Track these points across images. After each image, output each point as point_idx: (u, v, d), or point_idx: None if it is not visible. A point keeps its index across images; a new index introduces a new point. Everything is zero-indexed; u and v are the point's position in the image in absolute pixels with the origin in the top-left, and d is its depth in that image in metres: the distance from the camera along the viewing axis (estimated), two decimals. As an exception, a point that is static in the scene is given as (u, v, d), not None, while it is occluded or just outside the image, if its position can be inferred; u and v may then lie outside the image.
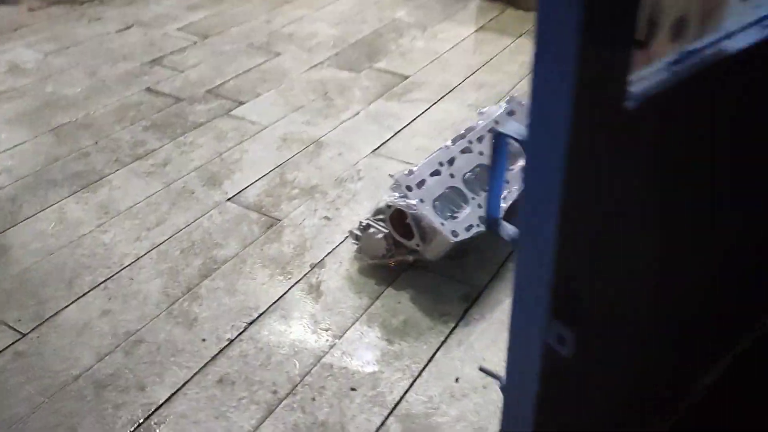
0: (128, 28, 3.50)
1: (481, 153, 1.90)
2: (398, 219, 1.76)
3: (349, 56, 3.18)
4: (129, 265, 1.90)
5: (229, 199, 2.18)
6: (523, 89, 2.83)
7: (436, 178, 1.78)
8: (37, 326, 1.71)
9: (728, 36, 0.93)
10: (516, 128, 0.83)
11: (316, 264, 1.91)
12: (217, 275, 1.86)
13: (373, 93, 2.84)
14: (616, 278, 0.92)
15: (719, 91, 0.91)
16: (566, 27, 0.64)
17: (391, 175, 1.81)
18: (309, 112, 2.70)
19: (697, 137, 0.90)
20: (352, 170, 2.32)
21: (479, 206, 1.80)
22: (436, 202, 1.75)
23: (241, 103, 2.77)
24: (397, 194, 1.74)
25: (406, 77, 2.97)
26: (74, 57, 3.16)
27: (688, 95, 0.84)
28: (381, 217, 1.82)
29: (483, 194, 1.84)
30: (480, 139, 1.93)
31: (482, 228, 1.76)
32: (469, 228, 1.74)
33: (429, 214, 1.70)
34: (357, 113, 2.68)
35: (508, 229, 0.92)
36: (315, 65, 3.09)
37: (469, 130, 1.95)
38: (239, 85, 2.92)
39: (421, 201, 1.72)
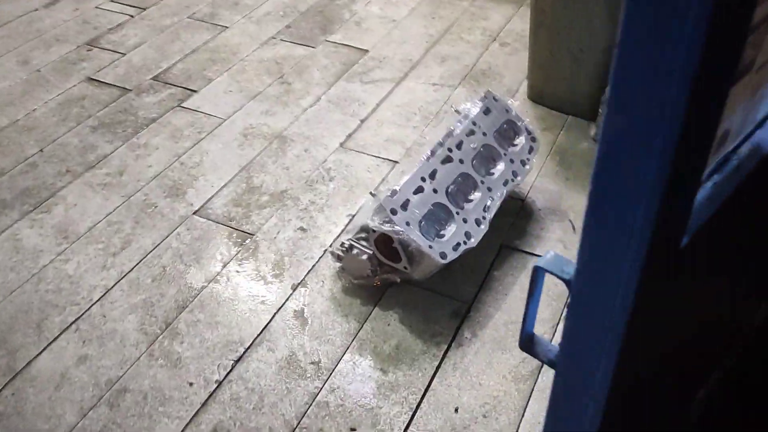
0: (57, 0, 3.22)
1: (461, 161, 1.84)
2: (384, 242, 1.70)
3: (302, 28, 3.01)
4: (99, 299, 1.80)
5: (195, 212, 2.07)
6: (487, 61, 2.74)
7: (419, 196, 1.72)
8: (10, 380, 1.61)
9: (761, 124, 0.88)
10: (559, 264, 0.78)
11: (298, 284, 1.84)
12: (195, 306, 1.78)
13: (332, 73, 2.71)
14: (661, 410, 0.90)
15: (763, 196, 0.87)
16: (644, 175, 0.57)
17: (372, 194, 1.74)
18: (267, 100, 2.56)
19: (746, 253, 0.87)
20: (322, 169, 2.23)
21: (464, 221, 1.75)
22: (422, 222, 1.70)
23: (193, 92, 2.61)
24: (378, 218, 1.67)
25: (365, 51, 2.83)
26: (3, 42, 2.90)
27: (734, 213, 0.80)
28: (363, 236, 1.76)
29: (466, 206, 1.80)
30: (459, 146, 1.86)
31: (469, 245, 1.72)
32: (456, 247, 1.70)
33: (416, 238, 1.64)
34: (318, 99, 2.56)
35: (546, 348, 0.88)
36: (266, 41, 2.92)
37: (447, 136, 1.87)
38: (187, 69, 2.74)
39: (408, 224, 1.66)
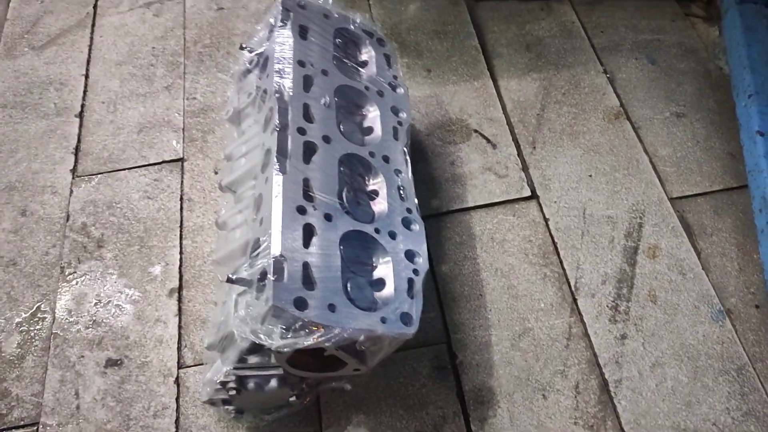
0: None
1: (326, 139, 1.06)
2: (306, 352, 0.92)
3: None
4: None
5: None
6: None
7: (316, 242, 0.94)
8: None
9: None
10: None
11: (176, 474, 1.02)
12: None
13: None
14: None
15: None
16: None
17: (231, 279, 0.92)
18: None
19: None
20: (72, 232, 1.28)
21: (392, 236, 1.02)
22: (349, 285, 0.94)
23: None
24: (278, 325, 0.87)
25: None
26: None
27: None
28: (255, 358, 0.96)
29: (377, 208, 1.05)
30: (308, 115, 1.07)
31: (422, 271, 1.00)
32: (410, 289, 0.98)
33: (360, 323, 0.89)
34: (-16, 109, 1.49)
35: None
36: None
37: (263, 99, 1.04)
38: None
39: (332, 309, 0.89)
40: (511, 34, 1.53)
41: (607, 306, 1.12)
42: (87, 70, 1.54)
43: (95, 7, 1.67)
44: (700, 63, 1.45)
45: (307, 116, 1.06)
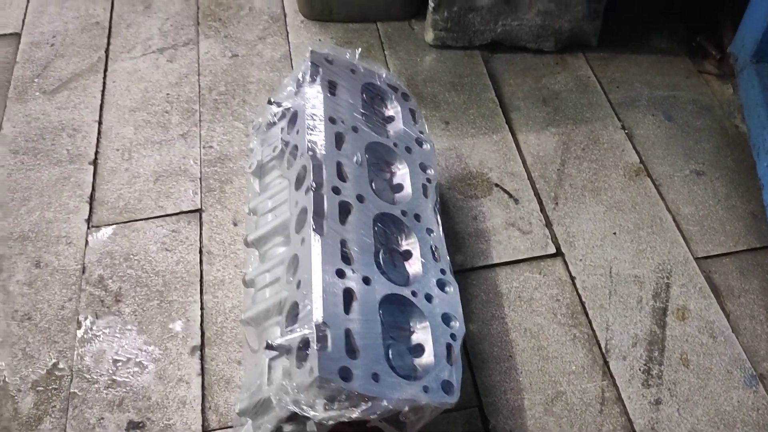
0: None
1: (360, 199, 1.05)
2: (348, 423, 0.90)
3: None
4: None
5: None
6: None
7: (357, 308, 0.92)
8: None
9: None
10: None
11: None
12: None
13: (-14, 97, 1.57)
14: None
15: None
16: None
17: (271, 345, 0.89)
18: None
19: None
20: (88, 286, 1.24)
21: (428, 298, 1.00)
22: (390, 352, 0.92)
23: None
24: (321, 396, 0.84)
25: (17, 36, 1.70)
26: None
27: None
28: (288, 428, 0.93)
29: (411, 270, 1.04)
30: (341, 174, 1.05)
31: (459, 335, 0.99)
32: (448, 354, 0.96)
33: (405, 393, 0.87)
34: (-6, 155, 1.46)
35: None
36: None
37: (296, 158, 1.03)
38: None
39: (375, 378, 0.87)
40: (528, 88, 1.54)
41: (640, 369, 1.11)
42: (100, 116, 1.52)
43: (107, 51, 1.66)
44: (715, 120, 1.47)
45: (341, 175, 1.05)
